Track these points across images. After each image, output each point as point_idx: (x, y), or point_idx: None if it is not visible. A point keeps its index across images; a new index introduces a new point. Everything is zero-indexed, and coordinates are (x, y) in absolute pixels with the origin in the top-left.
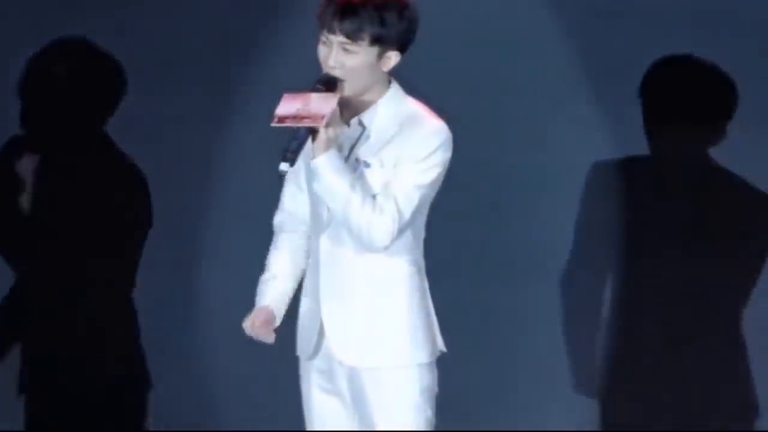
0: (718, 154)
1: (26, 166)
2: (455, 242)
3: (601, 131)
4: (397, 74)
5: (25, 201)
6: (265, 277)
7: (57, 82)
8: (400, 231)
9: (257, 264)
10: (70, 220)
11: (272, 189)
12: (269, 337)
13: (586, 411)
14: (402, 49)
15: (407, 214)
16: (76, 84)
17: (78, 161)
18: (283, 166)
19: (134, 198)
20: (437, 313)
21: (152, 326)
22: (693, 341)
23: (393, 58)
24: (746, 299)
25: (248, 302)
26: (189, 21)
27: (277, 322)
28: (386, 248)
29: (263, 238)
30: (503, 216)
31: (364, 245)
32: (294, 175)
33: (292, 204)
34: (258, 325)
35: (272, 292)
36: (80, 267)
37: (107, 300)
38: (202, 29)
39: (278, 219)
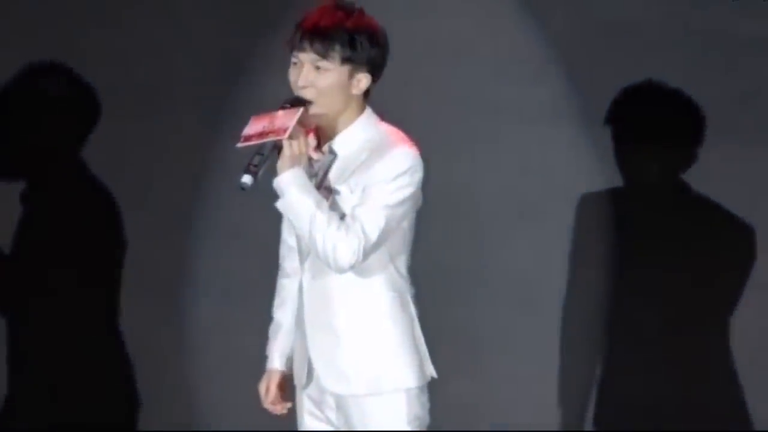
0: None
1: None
2: (443, 267)
3: (590, 153)
4: (372, 100)
5: None
6: (273, 327)
7: (29, 106)
8: (367, 252)
9: (248, 283)
10: (42, 248)
11: (261, 207)
12: (284, 409)
13: None
14: (373, 72)
15: (373, 234)
16: (49, 108)
17: (48, 187)
18: (245, 178)
19: (106, 223)
20: (426, 339)
21: (141, 345)
22: (687, 363)
23: (363, 80)
24: (730, 315)
25: (239, 320)
26: (182, 39)
27: (288, 372)
28: (352, 268)
29: (255, 256)
30: (490, 240)
31: (330, 265)
32: None
33: (290, 237)
34: (273, 399)
35: (280, 346)
36: (60, 296)
37: (92, 324)
38: (194, 48)
39: (281, 253)
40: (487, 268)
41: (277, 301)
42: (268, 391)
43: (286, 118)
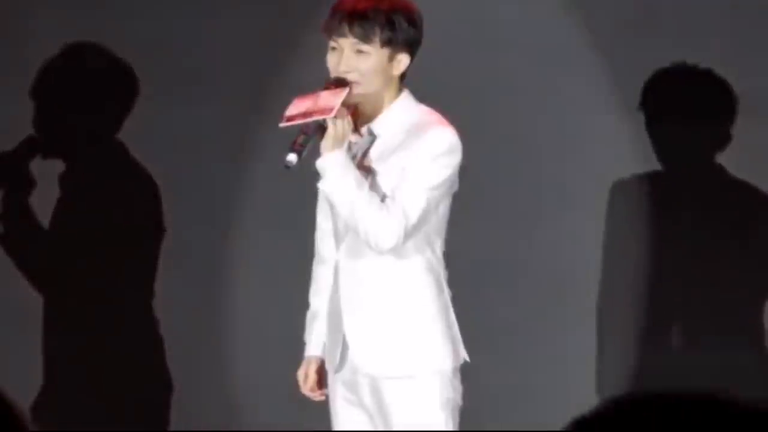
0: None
1: (38, 168)
2: (477, 256)
3: (626, 143)
4: (410, 82)
5: (36, 204)
6: (309, 314)
7: (70, 86)
8: (408, 234)
9: (285, 268)
10: (82, 226)
11: (300, 195)
12: (322, 396)
13: None
14: (411, 52)
15: (414, 216)
16: (89, 88)
17: (89, 167)
18: (290, 157)
19: (145, 204)
20: (461, 326)
21: (178, 330)
22: (718, 351)
23: (403, 61)
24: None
25: (276, 306)
26: (211, 27)
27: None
28: (393, 250)
29: (291, 242)
30: (528, 228)
31: (371, 246)
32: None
33: (326, 222)
34: (311, 385)
35: (318, 333)
36: (97, 275)
37: (128, 306)
38: (225, 36)
39: (317, 238)
40: (523, 258)
41: (313, 288)
42: (306, 377)
43: (332, 98)
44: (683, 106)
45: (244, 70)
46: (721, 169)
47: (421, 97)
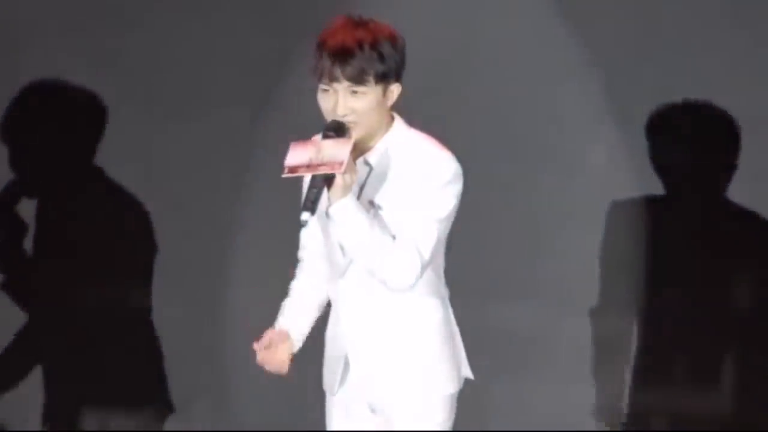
0: None
1: (25, 208)
2: (477, 267)
3: (627, 153)
4: (401, 108)
5: (29, 244)
6: (286, 300)
7: (37, 125)
8: (423, 270)
9: (281, 271)
10: (73, 257)
11: (295, 204)
12: (281, 366)
13: None
14: (399, 79)
15: (427, 251)
16: (57, 124)
17: (74, 198)
18: (305, 215)
19: (135, 227)
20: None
21: (178, 330)
22: (720, 368)
23: (395, 90)
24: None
25: (274, 307)
26: (212, 43)
27: (296, 342)
28: (411, 288)
29: (286, 252)
30: (531, 241)
31: (390, 287)
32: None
33: (312, 243)
34: (264, 349)
35: (288, 311)
36: (92, 300)
37: (127, 326)
38: (230, 47)
39: (300, 255)
40: (527, 270)
41: (294, 282)
42: (260, 349)
43: (338, 150)
44: (688, 138)
45: (241, 79)
46: (720, 195)
47: (411, 115)
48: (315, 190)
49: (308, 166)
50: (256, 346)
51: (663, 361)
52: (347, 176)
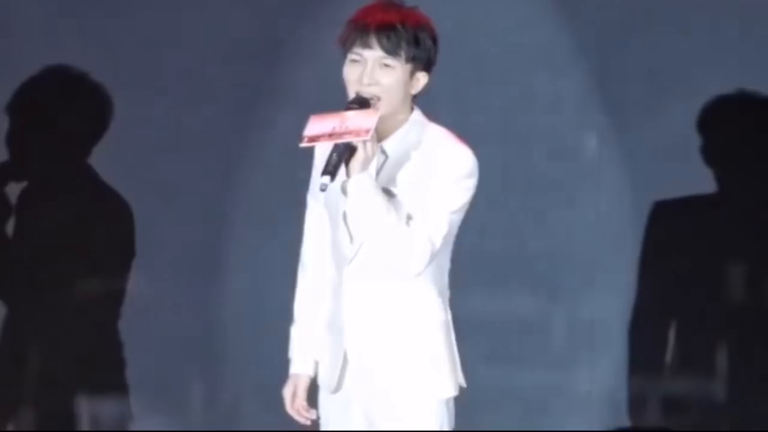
0: None
1: (12, 191)
2: (476, 255)
3: (622, 144)
4: (418, 100)
5: (9, 227)
6: (294, 329)
7: (42, 110)
8: (433, 258)
9: (279, 272)
10: (50, 248)
11: (294, 197)
12: (311, 415)
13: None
14: (429, 72)
15: (438, 241)
16: (62, 113)
17: (60, 191)
18: (324, 179)
19: (116, 227)
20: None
21: (176, 331)
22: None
23: (422, 80)
24: None
25: (271, 312)
26: (211, 29)
27: (312, 375)
28: (419, 274)
29: (284, 246)
30: (524, 229)
31: (398, 270)
32: (314, 203)
33: (315, 233)
34: (300, 403)
35: (306, 350)
36: (64, 296)
37: (93, 329)
38: (223, 38)
39: (303, 249)
40: (518, 257)
41: (298, 300)
42: (295, 396)
43: (364, 119)
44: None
45: (235, 70)
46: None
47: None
48: (336, 156)
49: (331, 135)
50: (286, 396)
51: (700, 362)
52: (368, 148)
